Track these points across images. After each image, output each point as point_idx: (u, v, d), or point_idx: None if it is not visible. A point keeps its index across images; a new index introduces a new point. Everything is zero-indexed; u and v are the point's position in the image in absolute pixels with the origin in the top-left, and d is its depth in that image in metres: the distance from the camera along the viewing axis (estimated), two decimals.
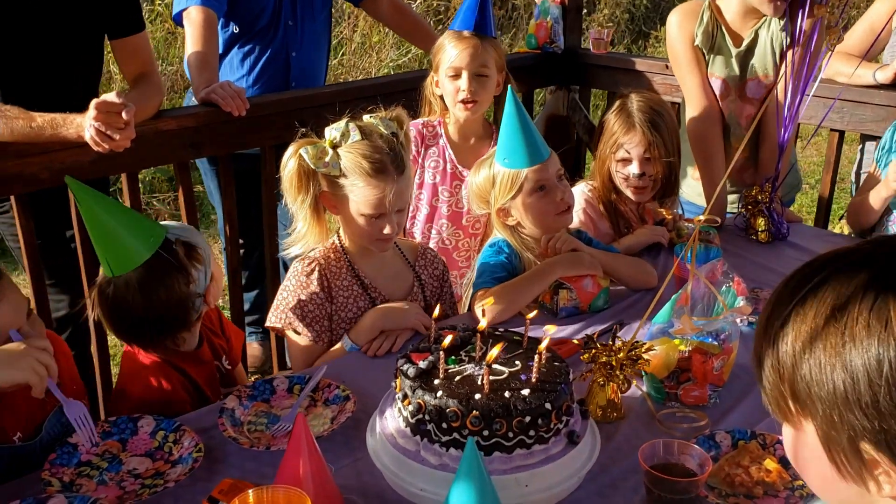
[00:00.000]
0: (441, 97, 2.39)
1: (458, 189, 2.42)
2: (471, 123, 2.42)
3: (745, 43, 2.42)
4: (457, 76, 2.31)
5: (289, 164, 1.78)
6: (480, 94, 2.34)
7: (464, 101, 2.32)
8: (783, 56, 2.35)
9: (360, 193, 1.76)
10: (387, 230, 1.79)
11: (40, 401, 1.44)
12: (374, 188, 1.75)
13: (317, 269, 1.85)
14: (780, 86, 2.33)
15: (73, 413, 1.43)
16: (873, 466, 0.75)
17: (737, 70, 2.45)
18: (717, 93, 2.48)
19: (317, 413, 1.57)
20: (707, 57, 2.46)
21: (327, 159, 1.75)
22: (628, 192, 2.31)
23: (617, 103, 2.31)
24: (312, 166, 1.76)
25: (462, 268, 2.51)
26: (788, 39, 2.31)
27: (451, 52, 2.30)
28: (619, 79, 3.22)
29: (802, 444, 0.81)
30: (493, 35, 2.40)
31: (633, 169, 2.23)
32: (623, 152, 2.24)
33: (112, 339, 3.48)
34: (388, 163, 1.76)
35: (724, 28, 2.43)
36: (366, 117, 1.83)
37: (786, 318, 0.81)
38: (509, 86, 1.92)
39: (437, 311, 1.51)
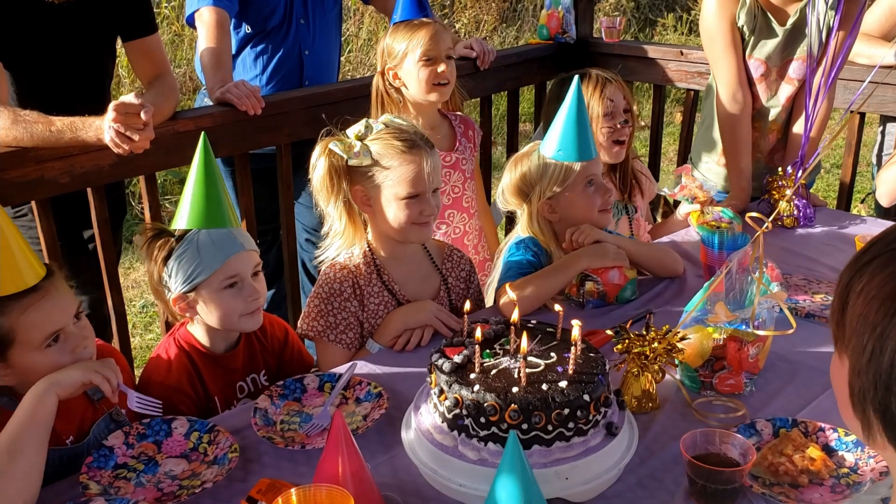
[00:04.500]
0: (398, 89, 2.36)
1: (447, 175, 2.44)
2: (429, 110, 2.40)
3: (790, 21, 2.38)
4: (431, 61, 2.30)
5: (319, 164, 1.76)
6: (454, 75, 2.37)
7: (440, 84, 2.32)
8: (829, 36, 2.32)
9: (396, 174, 1.74)
10: (426, 211, 1.77)
11: (91, 408, 1.48)
12: (410, 164, 1.74)
13: (349, 276, 1.83)
14: (824, 67, 2.30)
15: (133, 402, 1.46)
16: (872, 424, 0.82)
17: (779, 49, 2.41)
18: (757, 75, 2.45)
19: (349, 411, 1.56)
20: (748, 38, 2.42)
21: (357, 149, 1.74)
22: (611, 154, 2.37)
23: (567, 82, 2.32)
24: (345, 157, 1.74)
25: (473, 249, 2.51)
26: (838, 19, 2.26)
27: (418, 38, 2.30)
28: (633, 67, 3.20)
29: (838, 370, 0.87)
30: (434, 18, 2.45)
31: (620, 118, 2.34)
32: (608, 103, 2.32)
33: (135, 340, 3.51)
34: (418, 139, 1.77)
35: (765, 8, 2.39)
36: (381, 118, 1.84)
37: (874, 258, 0.82)
38: (576, 76, 1.90)
39: (468, 306, 1.50)
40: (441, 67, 2.30)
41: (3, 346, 1.37)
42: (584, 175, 1.95)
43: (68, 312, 1.44)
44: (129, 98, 2.00)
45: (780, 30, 2.39)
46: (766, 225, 1.52)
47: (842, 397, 0.86)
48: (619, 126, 2.34)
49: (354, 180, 1.79)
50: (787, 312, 1.48)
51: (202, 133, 1.58)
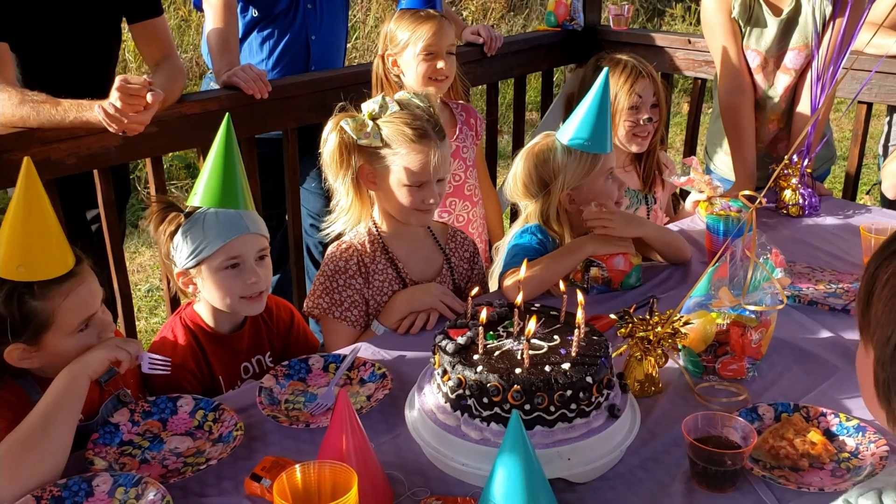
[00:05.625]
0: (398, 77, 2.37)
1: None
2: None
3: (785, 12, 2.40)
4: (432, 56, 2.30)
5: (329, 140, 1.78)
6: (452, 70, 2.38)
7: (437, 80, 2.33)
8: (826, 26, 2.32)
9: (403, 161, 1.75)
10: (430, 199, 1.78)
11: (98, 389, 1.49)
12: (418, 153, 1.74)
13: (354, 254, 1.84)
14: (820, 56, 2.30)
15: (146, 365, 1.48)
16: None
17: (776, 40, 2.42)
18: (755, 65, 2.47)
19: (352, 391, 1.57)
20: (744, 29, 2.43)
21: (368, 130, 1.75)
22: (633, 145, 2.37)
23: (602, 66, 2.34)
24: (354, 137, 1.75)
25: (478, 237, 2.52)
26: (831, 8, 2.27)
27: (421, 32, 2.30)
28: (641, 55, 3.15)
29: (864, 362, 0.87)
30: (442, 10, 2.45)
31: (645, 114, 2.33)
32: (636, 98, 2.31)
33: (140, 324, 3.53)
34: (430, 129, 1.77)
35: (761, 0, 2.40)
36: (397, 95, 1.82)
37: None
38: (606, 68, 1.90)
39: (475, 290, 1.50)
40: (440, 64, 2.30)
41: (41, 329, 1.38)
42: (605, 167, 1.96)
43: (99, 298, 1.46)
44: (136, 78, 2.00)
45: (775, 21, 2.41)
46: (758, 200, 1.54)
47: (867, 388, 0.85)
48: (642, 122, 2.34)
49: (362, 157, 1.79)
50: (777, 286, 1.49)
51: (226, 114, 1.58)
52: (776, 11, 2.41)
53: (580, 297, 1.38)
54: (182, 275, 1.65)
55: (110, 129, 2.01)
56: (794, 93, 2.50)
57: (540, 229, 2.00)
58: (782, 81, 2.48)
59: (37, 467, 1.27)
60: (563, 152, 1.95)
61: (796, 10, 2.39)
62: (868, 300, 0.83)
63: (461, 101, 2.56)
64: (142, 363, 1.48)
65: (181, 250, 1.62)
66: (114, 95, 1.97)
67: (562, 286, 1.49)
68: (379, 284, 1.85)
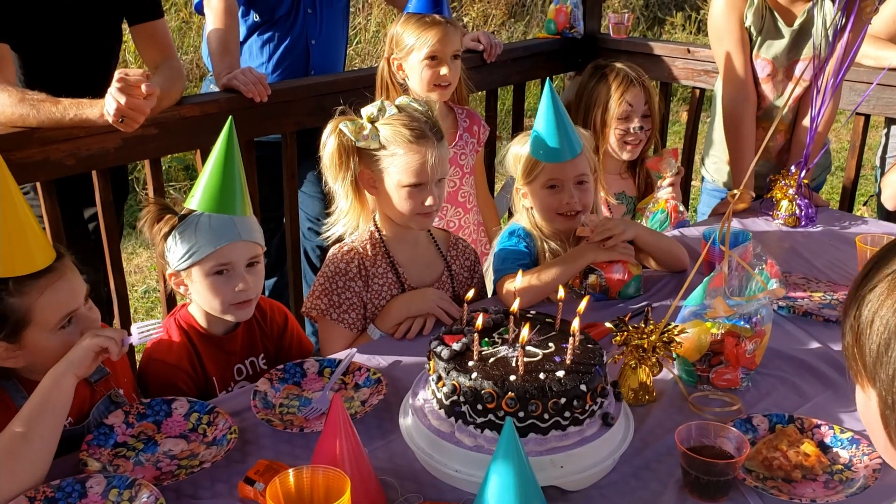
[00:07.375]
0: (403, 80, 2.37)
1: None
2: (440, 105, 2.41)
3: (798, 22, 2.40)
4: (436, 61, 2.31)
5: (329, 143, 1.79)
6: (456, 76, 2.38)
7: (441, 85, 2.33)
8: (838, 36, 2.32)
9: (401, 162, 1.76)
10: (429, 201, 1.78)
11: (90, 390, 1.49)
12: (415, 154, 1.75)
13: (355, 256, 1.84)
14: (830, 67, 2.30)
15: (137, 338, 1.45)
16: None
17: (787, 50, 2.43)
18: (763, 74, 2.46)
19: (347, 396, 1.58)
20: (755, 38, 2.43)
21: (366, 132, 1.76)
22: (624, 153, 2.41)
23: (597, 72, 2.41)
24: (353, 138, 1.75)
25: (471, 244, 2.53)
26: (845, 20, 2.27)
27: (426, 37, 2.30)
28: (639, 64, 3.17)
29: (867, 407, 0.83)
30: (450, 15, 2.45)
31: (635, 123, 2.36)
32: (626, 106, 2.34)
33: (135, 319, 3.52)
34: (427, 130, 1.77)
35: (773, 9, 2.41)
36: (397, 100, 1.83)
37: (877, 283, 0.80)
38: (548, 79, 1.91)
39: (470, 294, 1.50)
40: (444, 70, 2.31)
41: (20, 326, 1.37)
42: (545, 176, 1.95)
43: (81, 294, 1.45)
44: (135, 71, 2.01)
45: (787, 30, 2.40)
46: (730, 192, 1.55)
47: (877, 433, 0.82)
48: (632, 130, 2.35)
49: (362, 161, 1.80)
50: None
51: (229, 118, 1.57)
52: (789, 21, 2.41)
53: (583, 303, 1.39)
54: (174, 275, 1.66)
55: (109, 120, 2.01)
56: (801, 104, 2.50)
57: (525, 231, 2.02)
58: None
59: (16, 475, 1.25)
60: (519, 151, 1.98)
61: (809, 21, 2.38)
62: (856, 342, 0.81)
63: (467, 108, 2.56)
64: (133, 341, 1.45)
65: (174, 251, 1.63)
66: (114, 86, 1.98)
67: (561, 293, 1.50)
68: (378, 288, 1.85)
